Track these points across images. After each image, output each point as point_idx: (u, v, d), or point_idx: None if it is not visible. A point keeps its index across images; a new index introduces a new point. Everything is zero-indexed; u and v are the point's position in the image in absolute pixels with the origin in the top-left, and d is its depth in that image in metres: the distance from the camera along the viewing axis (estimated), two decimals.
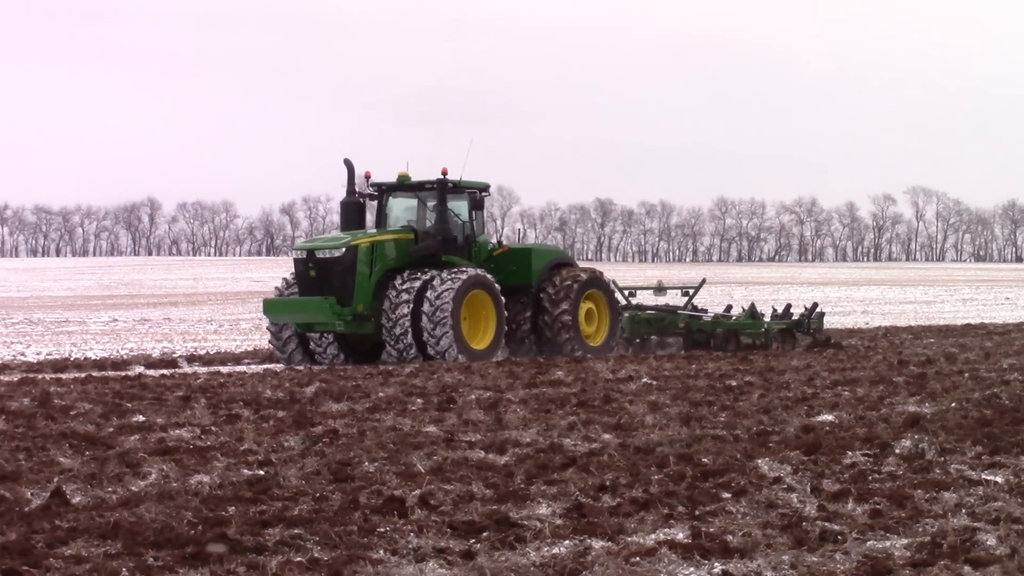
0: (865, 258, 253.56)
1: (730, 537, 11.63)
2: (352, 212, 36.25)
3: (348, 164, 36.19)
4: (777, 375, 27.60)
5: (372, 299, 34.23)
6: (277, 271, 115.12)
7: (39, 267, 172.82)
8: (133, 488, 14.10)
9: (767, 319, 39.97)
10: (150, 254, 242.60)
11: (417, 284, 33.93)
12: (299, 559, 10.86)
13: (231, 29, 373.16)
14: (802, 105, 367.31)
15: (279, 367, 33.07)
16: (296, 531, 11.85)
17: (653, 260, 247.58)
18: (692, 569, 10.63)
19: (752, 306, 40.57)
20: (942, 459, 15.94)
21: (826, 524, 12.19)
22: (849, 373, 28.07)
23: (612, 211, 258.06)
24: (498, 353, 35.11)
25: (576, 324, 36.24)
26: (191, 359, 35.25)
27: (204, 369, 32.46)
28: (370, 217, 37.12)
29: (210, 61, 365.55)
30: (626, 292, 40.73)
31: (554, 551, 11.23)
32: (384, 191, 36.63)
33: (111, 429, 18.74)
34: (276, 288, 36.34)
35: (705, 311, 41.04)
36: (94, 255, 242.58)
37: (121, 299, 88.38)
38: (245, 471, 15.20)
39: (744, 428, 18.87)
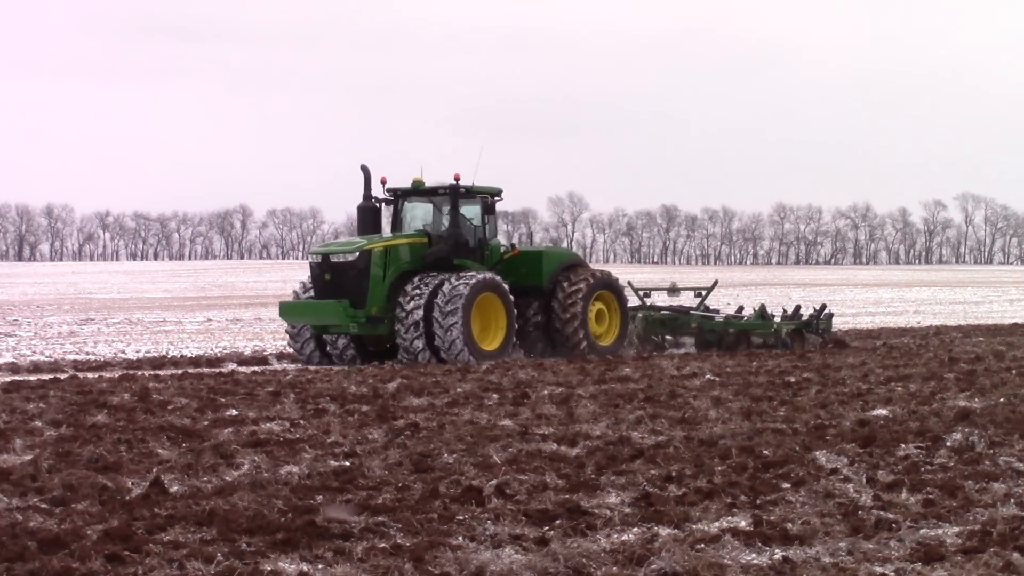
0: (917, 261, 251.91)
1: (790, 525, 11.60)
2: (368, 217, 35.41)
3: (365, 170, 35.31)
4: (833, 372, 27.46)
5: (386, 301, 33.49)
6: None
7: (138, 270, 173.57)
8: (227, 478, 14.15)
9: (777, 319, 39.15)
10: (242, 258, 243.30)
11: (429, 287, 33.24)
12: (383, 545, 10.88)
13: (314, 47, 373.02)
14: (856, 115, 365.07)
15: (363, 365, 33.06)
16: (380, 518, 11.88)
17: (715, 263, 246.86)
18: (754, 555, 10.61)
19: (762, 307, 39.87)
20: (991, 451, 15.85)
21: (881, 513, 12.15)
22: (902, 370, 27.91)
23: (677, 216, 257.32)
24: (508, 353, 33.99)
25: (586, 324, 35.46)
26: (280, 357, 35.28)
27: (292, 366, 32.58)
28: (388, 222, 36.47)
29: (298, 78, 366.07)
30: (641, 293, 40.10)
31: (623, 538, 11.23)
32: (399, 196, 35.77)
33: (206, 422, 18.81)
34: (294, 291, 35.60)
35: (717, 311, 40.34)
36: (189, 259, 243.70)
37: (215, 300, 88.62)
38: (332, 462, 15.23)
39: (802, 422, 18.80)
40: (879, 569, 10.11)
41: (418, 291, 33.12)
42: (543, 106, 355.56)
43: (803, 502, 12.81)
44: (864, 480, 13.95)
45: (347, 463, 15.16)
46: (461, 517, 12.02)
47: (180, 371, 29.67)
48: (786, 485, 13.71)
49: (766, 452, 15.77)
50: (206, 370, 29.86)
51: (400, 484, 13.75)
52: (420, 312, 32.83)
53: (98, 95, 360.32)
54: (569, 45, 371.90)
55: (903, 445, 16.30)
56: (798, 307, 40.83)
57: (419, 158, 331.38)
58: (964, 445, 16.22)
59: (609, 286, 36.69)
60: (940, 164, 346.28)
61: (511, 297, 34.32)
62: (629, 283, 42.42)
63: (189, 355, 35.50)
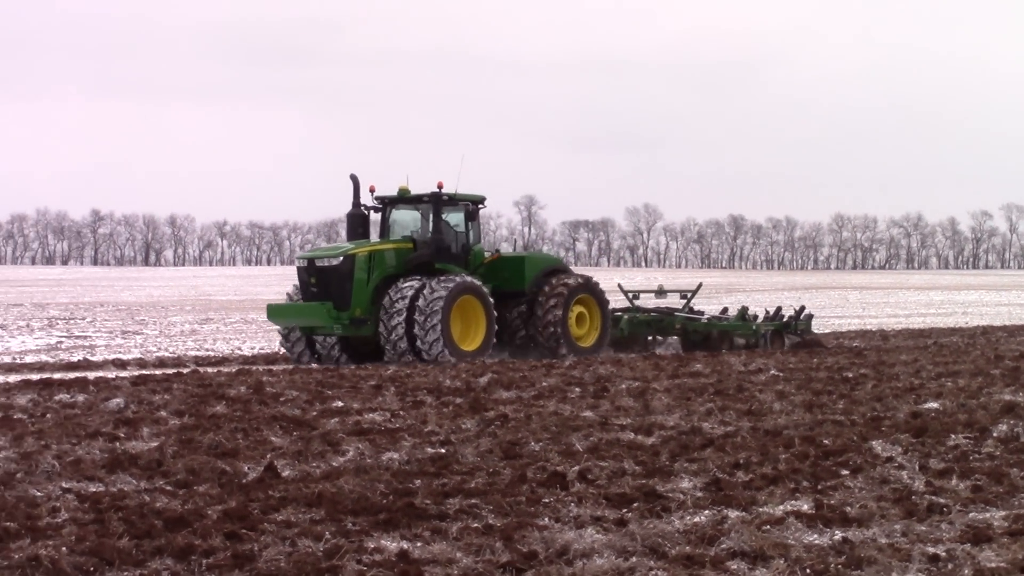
0: (965, 266, 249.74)
1: (849, 508, 11.53)
2: (357, 223, 34.25)
3: (353, 179, 34.01)
4: (888, 368, 27.27)
5: (370, 304, 32.45)
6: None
7: (253, 274, 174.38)
8: (334, 463, 14.20)
9: (759, 320, 38.18)
10: None
11: (411, 290, 32.06)
12: (476, 525, 10.90)
13: (417, 71, 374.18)
14: (909, 132, 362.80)
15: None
16: (473, 501, 11.89)
17: (778, 268, 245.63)
18: (816, 536, 10.55)
19: (743, 309, 39.01)
20: None
21: (933, 498, 12.05)
22: (951, 366, 27.67)
23: (743, 225, 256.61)
24: (487, 354, 32.75)
25: (566, 326, 34.11)
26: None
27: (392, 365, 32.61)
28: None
29: (400, 99, 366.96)
30: (630, 295, 39.53)
31: (695, 520, 11.19)
32: (386, 204, 34.56)
33: (315, 413, 18.87)
34: (287, 294, 34.38)
35: (702, 313, 39.22)
36: None
37: None
38: (429, 449, 15.26)
39: (859, 414, 18.68)
40: (931, 549, 10.03)
41: (401, 294, 32.11)
42: (622, 124, 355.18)
43: (860, 487, 12.74)
44: (917, 468, 13.84)
45: (443, 450, 15.18)
46: (547, 500, 12.01)
47: (291, 366, 29.83)
48: (845, 472, 13.63)
49: (826, 441, 15.68)
50: (314, 366, 29.98)
51: (491, 470, 13.76)
52: (403, 314, 31.87)
53: (217, 115, 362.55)
54: (646, 70, 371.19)
55: (953, 435, 16.18)
56: (779, 309, 39.72)
57: (510, 170, 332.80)
58: (1009, 436, 16.07)
59: (589, 290, 35.27)
60: (987, 177, 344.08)
61: (491, 300, 33.24)
62: (619, 285, 42.18)
63: None
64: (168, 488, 12.67)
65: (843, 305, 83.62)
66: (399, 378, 24.80)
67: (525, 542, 10.20)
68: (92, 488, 12.61)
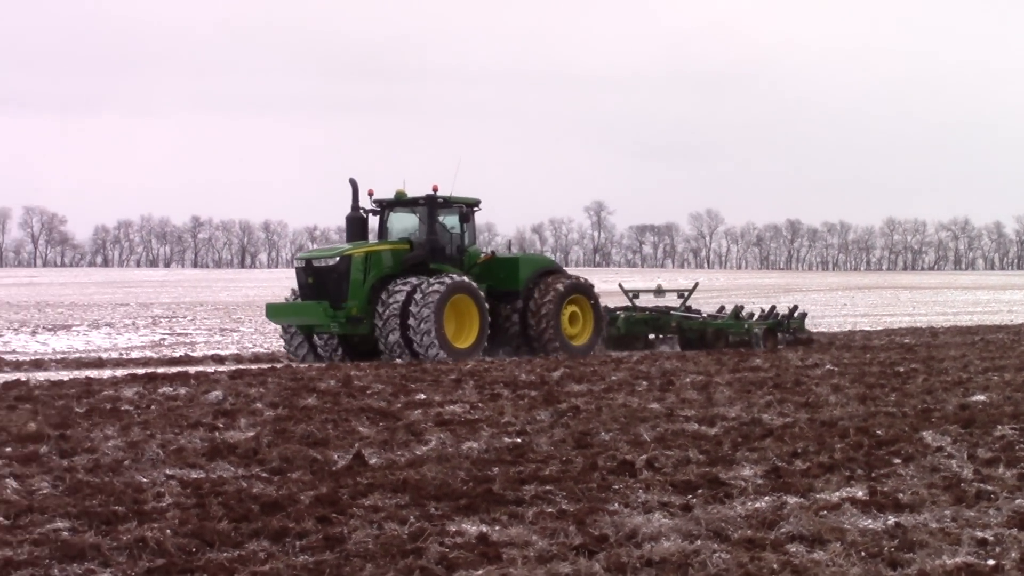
0: (1010, 267, 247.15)
1: (901, 495, 11.45)
2: (356, 226, 33.38)
3: (352, 183, 33.18)
4: (937, 363, 27.09)
5: (367, 303, 31.60)
6: None
7: None
8: (417, 452, 14.23)
9: (757, 318, 37.32)
10: None
11: (406, 290, 31.27)
12: (550, 510, 10.89)
13: (503, 86, 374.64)
14: (957, 141, 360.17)
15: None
16: (547, 487, 11.89)
17: (833, 269, 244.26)
18: (870, 520, 10.49)
19: (736, 308, 37.94)
20: None
21: (981, 485, 11.95)
22: (998, 361, 27.45)
23: (800, 229, 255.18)
24: (480, 352, 31.90)
25: (558, 325, 33.28)
26: None
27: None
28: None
29: (485, 112, 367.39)
30: (631, 294, 38.77)
31: (756, 505, 11.15)
32: (384, 207, 33.75)
33: (399, 405, 18.91)
34: (289, 293, 33.64)
35: (699, 312, 38.24)
36: None
37: None
38: (506, 439, 15.27)
39: (911, 406, 18.55)
40: (979, 534, 9.95)
41: (396, 293, 31.32)
42: (686, 134, 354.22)
43: (912, 475, 12.65)
44: (965, 456, 13.73)
45: (519, 440, 15.19)
46: (616, 487, 12.00)
47: (377, 361, 29.89)
48: (897, 460, 13.54)
49: (879, 432, 15.58)
50: (399, 361, 30.05)
51: (564, 458, 13.75)
52: (398, 313, 31.07)
53: (305, 127, 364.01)
54: (707, 82, 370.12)
55: (999, 426, 16.04)
56: (773, 307, 38.96)
57: (581, 178, 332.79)
58: None
59: (582, 290, 34.35)
60: None
61: (484, 299, 32.40)
62: (620, 285, 41.70)
63: None
64: (264, 475, 12.74)
65: (894, 304, 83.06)
66: (478, 372, 24.83)
67: (596, 526, 10.19)
68: (193, 475, 12.69)
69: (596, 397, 20.05)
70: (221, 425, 16.39)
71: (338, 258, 31.72)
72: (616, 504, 11.10)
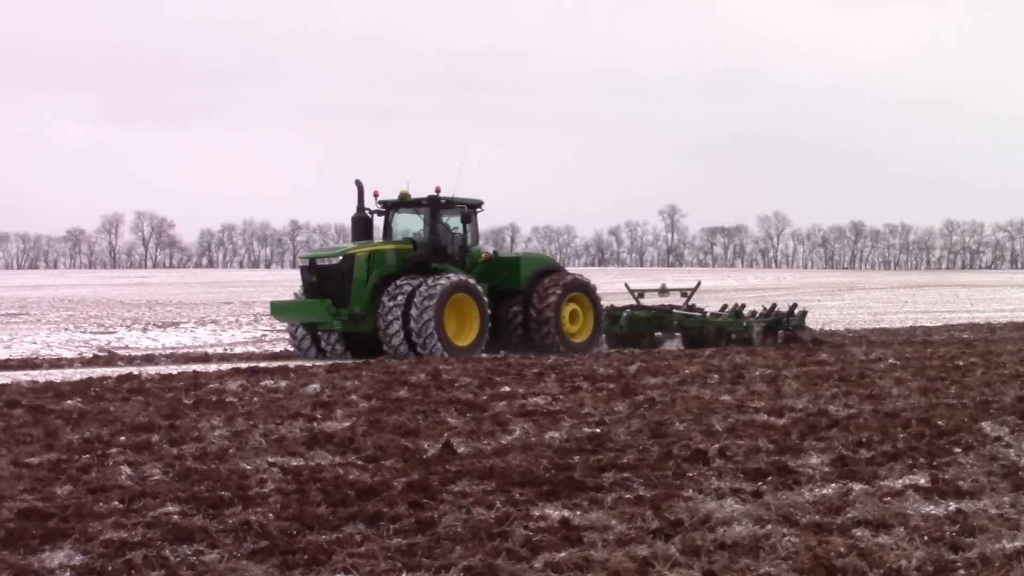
0: None
1: (961, 482, 11.34)
2: (361, 226, 32.40)
3: (358, 184, 32.09)
4: (995, 357, 26.78)
5: (369, 301, 30.78)
6: (605, 278, 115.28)
7: None
8: (503, 441, 14.24)
9: (758, 316, 36.28)
10: None
11: (407, 289, 30.50)
12: (628, 496, 10.87)
13: (573, 96, 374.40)
14: (1014, 141, 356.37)
15: (608, 351, 32.88)
16: (625, 475, 11.86)
17: (894, 268, 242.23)
18: (932, 507, 10.40)
19: (736, 306, 36.94)
20: None
21: None
22: None
23: (863, 230, 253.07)
24: (481, 349, 31.20)
25: (559, 323, 32.39)
26: None
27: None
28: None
29: (562, 121, 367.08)
30: (635, 293, 38.16)
31: (823, 492, 11.08)
32: (389, 208, 32.81)
33: (485, 397, 18.93)
34: (295, 293, 32.38)
35: (702, 311, 36.96)
36: None
37: None
38: (585, 429, 15.26)
39: (970, 398, 18.36)
40: None
41: (398, 292, 30.55)
42: (755, 139, 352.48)
43: (972, 464, 12.51)
44: (1023, 446, 13.59)
45: (598, 430, 15.17)
46: (690, 474, 11.96)
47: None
48: (957, 450, 13.41)
49: (940, 422, 15.44)
50: (484, 356, 30.09)
51: (640, 447, 13.72)
52: (400, 311, 30.29)
53: (392, 135, 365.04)
54: (774, 90, 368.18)
55: None
56: (774, 305, 37.78)
57: (656, 182, 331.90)
58: None
59: (582, 289, 33.41)
60: None
61: (484, 298, 31.50)
62: (626, 284, 41.13)
63: None
64: (359, 463, 12.79)
65: (953, 301, 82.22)
66: (559, 366, 24.80)
67: (672, 511, 10.16)
68: (294, 462, 12.77)
69: (671, 389, 19.99)
70: (319, 416, 16.48)
71: (341, 257, 30.98)
72: (690, 491, 11.06)
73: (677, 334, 35.81)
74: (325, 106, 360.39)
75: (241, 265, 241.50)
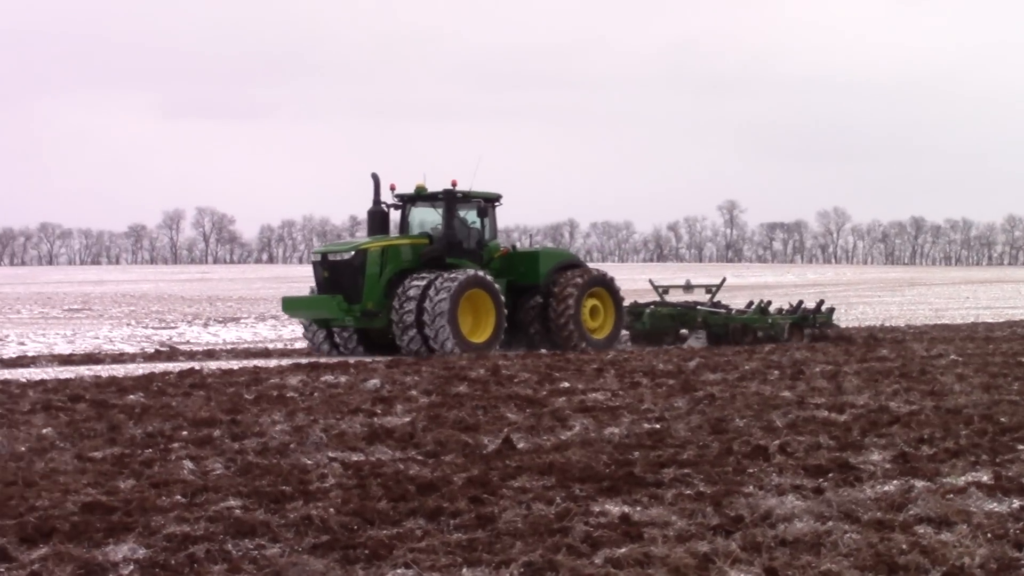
0: None
1: None
2: (377, 220, 31.61)
3: (375, 177, 31.44)
4: None
5: (383, 297, 30.02)
6: (665, 273, 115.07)
7: None
8: (562, 437, 14.23)
9: (783, 314, 35.71)
10: None
11: (422, 284, 29.60)
12: (688, 492, 10.84)
13: (638, 93, 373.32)
14: None
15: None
16: (685, 471, 11.82)
17: (955, 264, 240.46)
18: (995, 504, 10.30)
19: (761, 302, 36.34)
20: None
21: None
22: None
23: (924, 226, 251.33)
24: (496, 346, 30.34)
25: (579, 319, 31.62)
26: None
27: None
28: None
29: (618, 118, 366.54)
30: (660, 289, 37.67)
31: (885, 488, 11.00)
32: (406, 201, 32.07)
33: (544, 392, 18.94)
34: (311, 289, 31.59)
35: (727, 307, 36.18)
36: None
37: None
38: (645, 425, 15.23)
39: None
40: None
41: (412, 287, 29.67)
42: (814, 135, 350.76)
43: None
44: None
45: (657, 426, 15.14)
46: (751, 470, 11.90)
47: (523, 351, 29.94)
48: (1021, 447, 13.28)
49: (1003, 419, 15.31)
50: (543, 351, 30.08)
51: (700, 443, 13.68)
52: (413, 306, 29.42)
53: (453, 131, 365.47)
54: (833, 87, 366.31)
55: None
56: (800, 302, 37.03)
57: (716, 178, 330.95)
58: None
59: (603, 284, 32.71)
60: None
61: (500, 293, 30.69)
62: (650, 281, 40.77)
63: None
64: (419, 458, 12.82)
65: (1015, 297, 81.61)
66: (618, 362, 24.79)
67: (732, 507, 10.12)
68: (354, 457, 12.81)
69: (730, 385, 19.93)
70: (379, 411, 16.54)
71: (353, 252, 30.24)
72: (751, 487, 11.01)
73: (701, 331, 35.05)
74: (385, 102, 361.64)
75: (301, 260, 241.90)
